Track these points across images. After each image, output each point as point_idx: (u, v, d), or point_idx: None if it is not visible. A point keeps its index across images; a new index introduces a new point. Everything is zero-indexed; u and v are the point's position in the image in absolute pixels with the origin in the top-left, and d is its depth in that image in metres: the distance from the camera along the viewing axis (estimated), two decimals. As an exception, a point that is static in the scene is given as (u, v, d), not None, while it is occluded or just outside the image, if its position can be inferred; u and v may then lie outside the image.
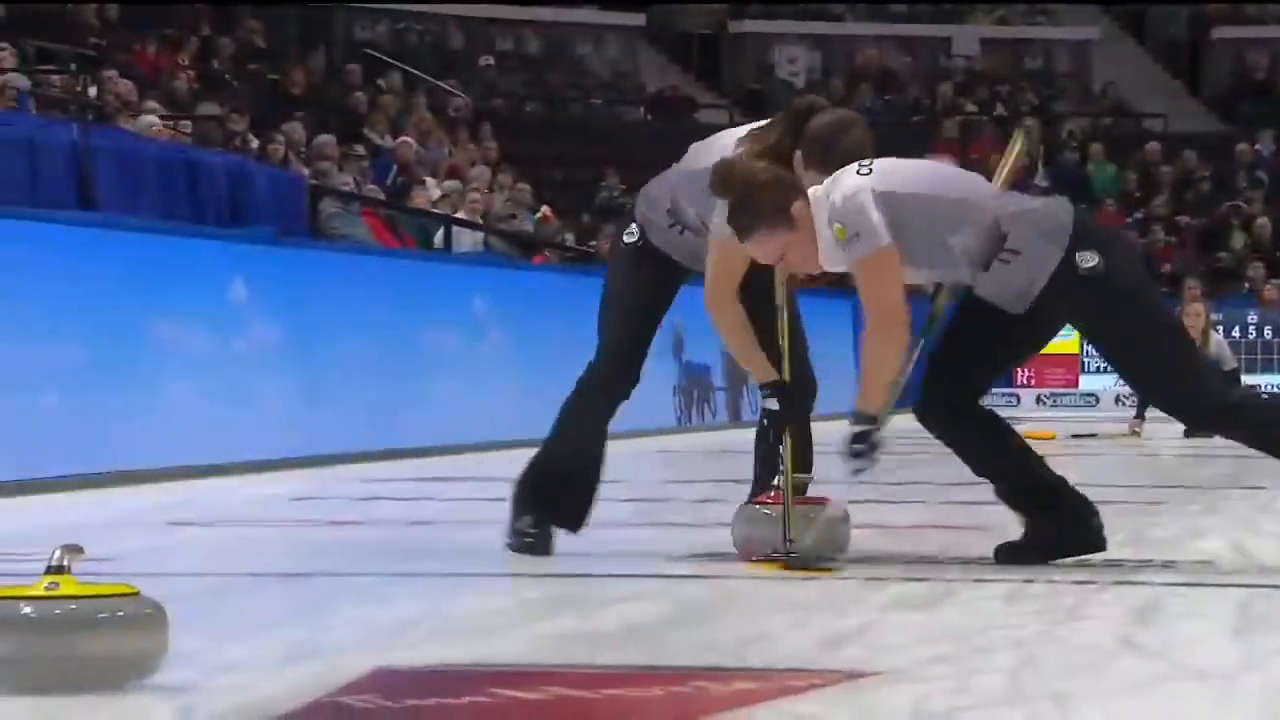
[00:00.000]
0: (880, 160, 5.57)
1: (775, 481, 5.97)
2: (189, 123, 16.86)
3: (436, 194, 17.71)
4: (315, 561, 5.31)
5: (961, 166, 6.18)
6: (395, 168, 18.35)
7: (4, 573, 4.11)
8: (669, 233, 5.99)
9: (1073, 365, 23.16)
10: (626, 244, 6.07)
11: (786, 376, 5.90)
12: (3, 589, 3.58)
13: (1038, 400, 23.00)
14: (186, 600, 4.30)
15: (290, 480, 8.55)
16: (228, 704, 3.46)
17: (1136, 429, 15.25)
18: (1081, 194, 26.97)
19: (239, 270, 10.87)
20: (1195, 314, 15.48)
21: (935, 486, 8.61)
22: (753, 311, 5.87)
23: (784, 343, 5.92)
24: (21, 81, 14.92)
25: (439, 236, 16.33)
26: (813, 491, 5.95)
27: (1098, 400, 22.75)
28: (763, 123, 5.94)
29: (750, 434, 6.26)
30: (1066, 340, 25.14)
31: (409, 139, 19.43)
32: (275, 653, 4.13)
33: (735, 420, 17.20)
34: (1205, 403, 5.61)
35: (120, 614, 3.54)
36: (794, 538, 5.66)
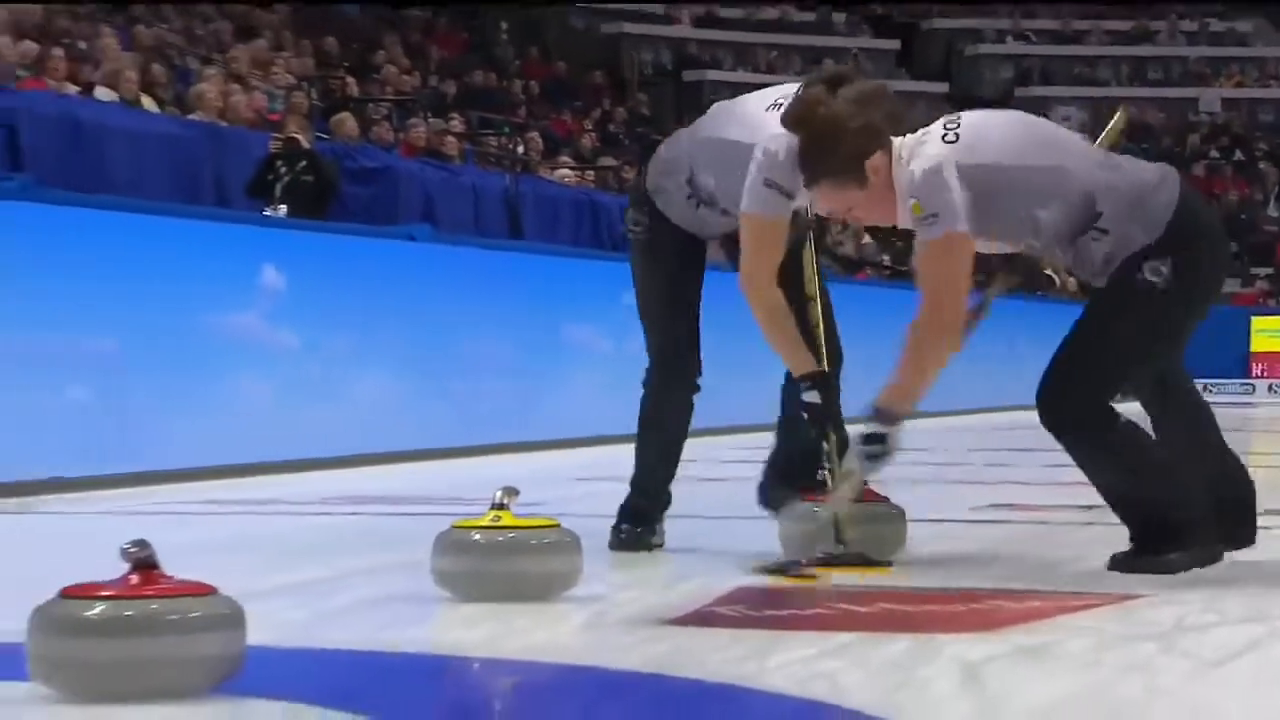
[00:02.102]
0: (969, 119, 4.04)
1: (821, 477, 4.47)
2: (592, 172, 17.19)
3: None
4: (689, 506, 5.35)
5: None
6: (748, 206, 18.44)
7: (458, 512, 4.23)
8: (685, 206, 4.57)
9: (1299, 358, 22.84)
10: (635, 238, 4.75)
11: (825, 368, 4.49)
12: (459, 521, 3.70)
13: (1270, 389, 22.34)
14: (596, 535, 4.36)
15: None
16: (630, 611, 3.51)
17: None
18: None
19: (628, 285, 11.01)
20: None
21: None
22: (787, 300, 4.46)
23: (820, 333, 4.56)
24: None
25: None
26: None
27: (1319, 388, 22.34)
28: (790, 86, 4.30)
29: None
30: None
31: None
32: (663, 574, 4.21)
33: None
34: (1076, 408, 3.98)
35: (547, 540, 3.62)
36: (846, 538, 4.23)
